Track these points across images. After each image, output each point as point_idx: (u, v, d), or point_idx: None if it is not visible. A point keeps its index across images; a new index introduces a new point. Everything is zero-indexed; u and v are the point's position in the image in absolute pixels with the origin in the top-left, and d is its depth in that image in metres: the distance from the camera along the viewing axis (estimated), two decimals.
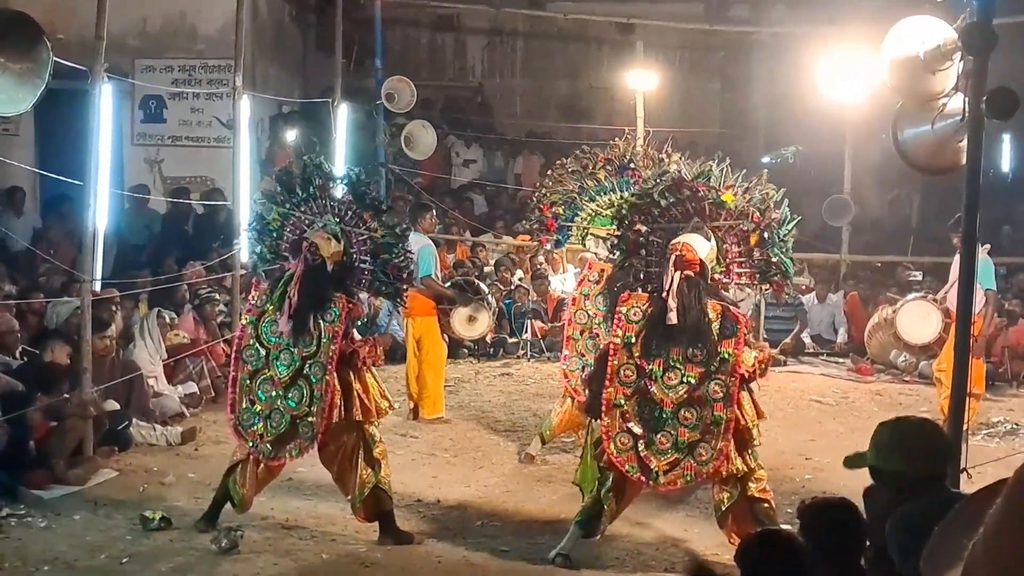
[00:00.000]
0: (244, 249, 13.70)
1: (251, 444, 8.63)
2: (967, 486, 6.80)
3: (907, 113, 7.70)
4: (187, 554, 8.28)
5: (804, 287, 17.73)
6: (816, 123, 18.62)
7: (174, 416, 11.92)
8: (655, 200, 8.26)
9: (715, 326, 7.91)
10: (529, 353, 16.23)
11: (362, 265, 8.63)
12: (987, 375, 15.13)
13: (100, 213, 10.70)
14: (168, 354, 12.42)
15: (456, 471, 10.63)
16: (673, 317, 7.84)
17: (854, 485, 5.90)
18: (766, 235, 8.11)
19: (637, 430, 7.98)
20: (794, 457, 11.19)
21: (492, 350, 16.21)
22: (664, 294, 7.90)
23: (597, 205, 10.45)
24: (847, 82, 15.59)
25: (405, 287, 9.02)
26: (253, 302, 8.78)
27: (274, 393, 8.52)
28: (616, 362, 8.06)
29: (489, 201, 21.31)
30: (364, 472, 8.57)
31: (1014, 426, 12.70)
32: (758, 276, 8.23)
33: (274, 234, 8.85)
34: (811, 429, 12.54)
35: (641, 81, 17.93)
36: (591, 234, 10.55)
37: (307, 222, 8.68)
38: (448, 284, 13.19)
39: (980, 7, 6.74)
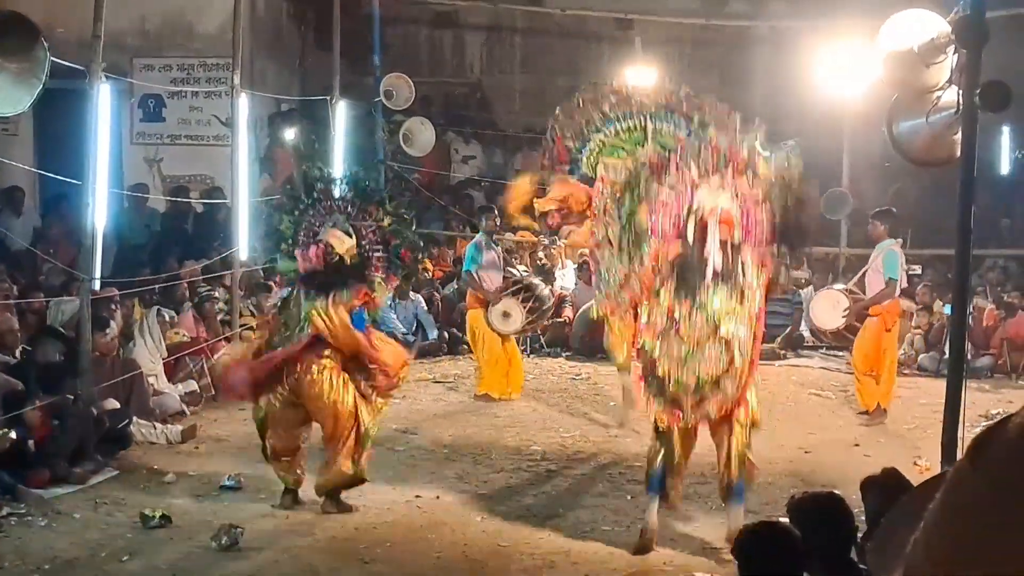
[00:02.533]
0: (243, 249, 13.78)
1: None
2: None
3: (902, 106, 7.71)
4: (187, 552, 8.31)
5: (803, 280, 17.73)
6: (814, 117, 18.59)
7: (174, 414, 11.94)
8: (679, 155, 8.46)
9: (746, 272, 8.17)
10: (529, 349, 16.24)
11: (375, 254, 9.19)
12: (988, 367, 15.23)
13: (99, 212, 10.70)
14: (168, 352, 12.44)
15: (456, 467, 10.65)
16: (710, 271, 8.05)
17: (852, 478, 5.93)
18: (788, 201, 8.29)
19: (662, 370, 8.19)
20: (793, 451, 11.20)
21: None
22: (706, 252, 8.07)
23: (604, 135, 10.64)
24: (845, 76, 15.60)
25: (419, 267, 9.83)
26: (277, 297, 9.61)
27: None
28: (645, 309, 8.33)
29: (488, 197, 21.28)
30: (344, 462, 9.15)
31: None
32: (776, 238, 8.35)
33: (289, 241, 9.30)
34: (810, 422, 12.56)
35: (639, 77, 17.92)
36: (603, 163, 10.46)
37: (318, 224, 9.18)
38: (510, 283, 13.74)
39: (973, 1, 6.76)
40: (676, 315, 8.17)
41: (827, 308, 12.81)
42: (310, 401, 9.12)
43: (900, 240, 12.89)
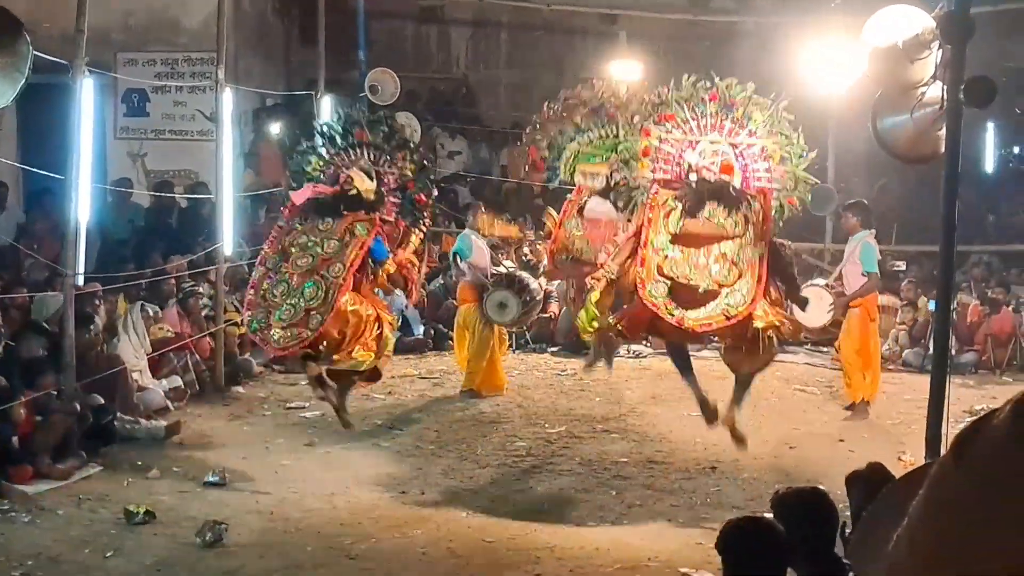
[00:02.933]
0: (228, 244, 13.75)
1: (260, 336, 9.69)
2: None
3: (887, 102, 7.71)
4: (171, 548, 8.29)
5: None
6: (800, 112, 18.57)
7: (158, 410, 11.89)
8: (680, 108, 9.15)
9: (746, 203, 8.84)
10: (515, 345, 16.24)
11: (392, 199, 9.88)
12: (972, 363, 15.27)
13: (83, 207, 10.66)
14: (152, 348, 12.40)
15: (441, 463, 10.65)
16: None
17: (837, 473, 5.94)
18: (786, 154, 9.04)
19: (669, 271, 8.69)
20: (777, 446, 11.22)
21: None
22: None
23: (578, 144, 11.41)
24: (830, 71, 15.57)
25: (427, 213, 10.31)
26: (284, 222, 9.99)
27: (290, 288, 9.57)
28: (650, 232, 8.82)
29: (474, 193, 21.27)
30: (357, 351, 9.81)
31: None
32: (776, 192, 9.04)
33: (315, 181, 9.94)
34: (795, 418, 12.57)
35: (625, 72, 17.92)
36: (579, 171, 11.47)
37: (345, 164, 9.88)
38: (498, 274, 13.82)
39: None
40: (679, 227, 8.77)
41: (811, 306, 12.81)
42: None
43: (874, 231, 12.91)
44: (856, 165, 18.89)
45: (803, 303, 9.28)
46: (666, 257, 8.75)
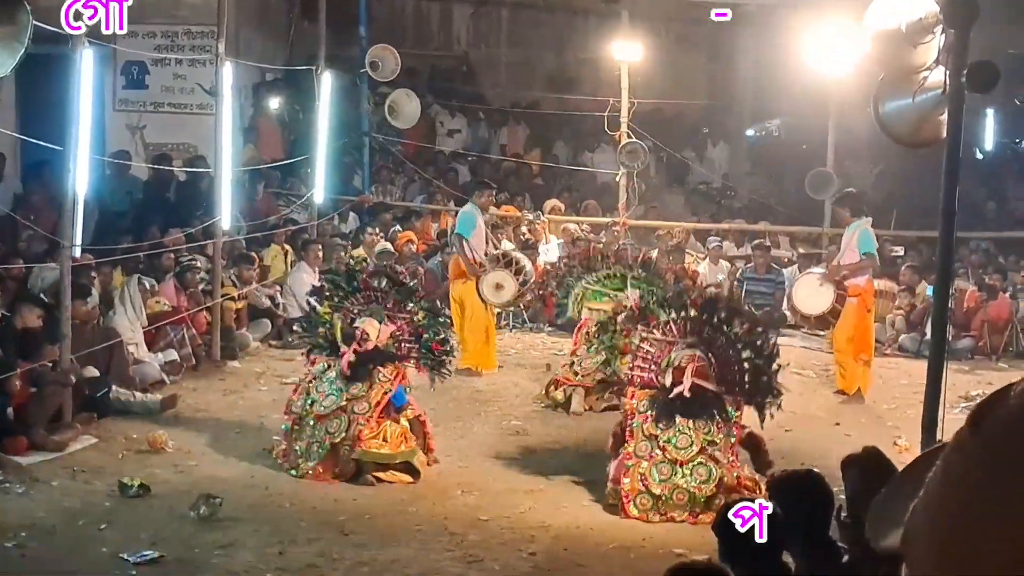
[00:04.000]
0: (226, 218, 13.73)
1: (293, 470, 9.53)
2: None
3: (888, 86, 7.68)
4: (166, 521, 8.29)
5: (786, 260, 17.77)
6: (801, 96, 18.61)
7: (154, 383, 11.89)
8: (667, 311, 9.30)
9: (720, 409, 8.95)
10: (512, 324, 16.25)
11: (408, 345, 9.92)
12: (969, 349, 15.29)
13: (81, 179, 10.62)
14: (149, 321, 12.39)
15: (437, 441, 10.59)
16: (686, 392, 8.84)
17: (833, 456, 5.93)
18: (758, 361, 9.04)
19: (656, 491, 8.74)
20: (774, 429, 11.16)
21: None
22: (682, 388, 8.86)
23: (587, 283, 12.55)
24: (831, 55, 15.55)
25: (448, 359, 10.31)
26: (312, 372, 9.88)
27: (315, 426, 9.56)
28: (631, 444, 8.94)
29: (473, 171, 21.25)
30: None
31: None
32: (746, 396, 9.11)
33: (326, 325, 9.97)
34: (791, 402, 12.50)
35: (627, 52, 17.90)
36: (587, 307, 12.51)
37: (356, 311, 9.93)
38: (501, 255, 13.95)
39: None
40: (661, 440, 8.85)
41: (810, 293, 12.79)
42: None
43: (870, 218, 12.91)
44: (856, 150, 18.89)
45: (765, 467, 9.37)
46: (652, 459, 8.85)
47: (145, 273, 13.18)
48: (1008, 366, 14.86)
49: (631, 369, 9.29)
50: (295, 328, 11.66)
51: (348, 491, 9.19)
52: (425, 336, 9.98)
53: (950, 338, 12.33)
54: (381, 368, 9.68)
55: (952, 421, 7.89)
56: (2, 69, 8.95)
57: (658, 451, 8.83)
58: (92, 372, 11.01)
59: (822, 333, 15.59)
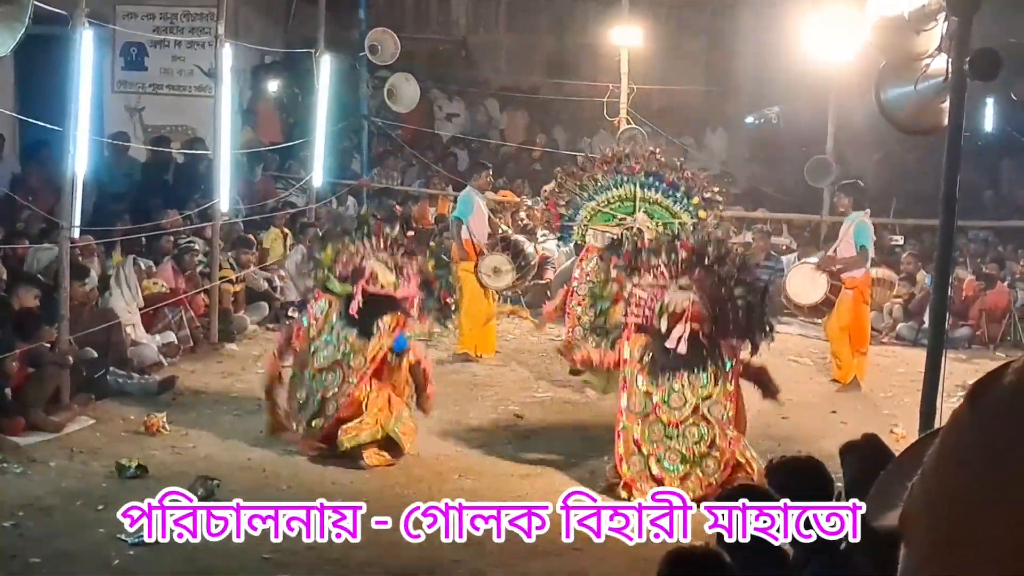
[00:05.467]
0: (224, 201, 13.71)
1: (299, 430, 9.66)
2: None
3: (890, 73, 7.67)
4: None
5: (784, 247, 17.76)
6: (801, 83, 18.58)
7: (152, 365, 11.88)
8: (664, 256, 9.13)
9: (716, 359, 8.91)
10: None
11: (415, 295, 9.78)
12: (967, 337, 15.30)
13: (80, 160, 10.61)
14: (146, 303, 12.38)
15: (433, 425, 10.62)
16: (683, 348, 8.77)
17: (830, 443, 5.94)
18: (751, 299, 8.98)
19: (647, 450, 8.82)
20: (772, 416, 11.20)
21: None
22: (671, 341, 8.79)
23: (596, 203, 11.97)
24: (832, 42, 15.53)
25: (454, 309, 10.31)
26: (313, 309, 9.81)
27: (312, 377, 9.57)
28: (625, 396, 8.96)
29: (472, 156, 21.24)
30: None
31: None
32: (740, 333, 9.03)
33: (327, 269, 9.80)
34: (789, 389, 12.50)
35: (626, 37, 17.87)
36: (592, 229, 12.11)
37: (359, 258, 9.72)
38: (497, 240, 13.86)
39: None
40: (655, 398, 8.87)
41: (803, 283, 12.78)
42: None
43: (868, 211, 12.91)
44: (855, 137, 18.85)
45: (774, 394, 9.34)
46: (645, 420, 8.90)
47: (143, 255, 13.17)
48: (1005, 355, 14.84)
49: (624, 316, 9.17)
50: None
51: (345, 474, 9.20)
52: (435, 285, 9.90)
53: (948, 326, 12.38)
54: (383, 322, 9.59)
55: (950, 410, 7.91)
56: (2, 49, 8.92)
57: (651, 410, 8.86)
58: (90, 353, 11.01)
59: (819, 321, 15.61)
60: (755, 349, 9.09)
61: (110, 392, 10.93)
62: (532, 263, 13.57)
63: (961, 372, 12.85)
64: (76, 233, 11.04)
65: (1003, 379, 1.43)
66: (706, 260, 9.03)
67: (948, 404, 7.32)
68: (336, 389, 9.48)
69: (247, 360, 12.95)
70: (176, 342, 12.59)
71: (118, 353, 11.47)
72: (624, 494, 8.77)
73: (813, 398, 12.32)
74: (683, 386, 8.82)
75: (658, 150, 12.64)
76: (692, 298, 8.86)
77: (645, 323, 9.04)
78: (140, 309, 12.25)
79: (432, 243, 10.24)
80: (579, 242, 12.40)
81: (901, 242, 17.63)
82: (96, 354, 11.10)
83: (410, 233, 10.90)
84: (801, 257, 16.84)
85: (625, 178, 12.00)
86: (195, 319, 13.07)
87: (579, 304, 11.90)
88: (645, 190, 12.00)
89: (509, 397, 11.91)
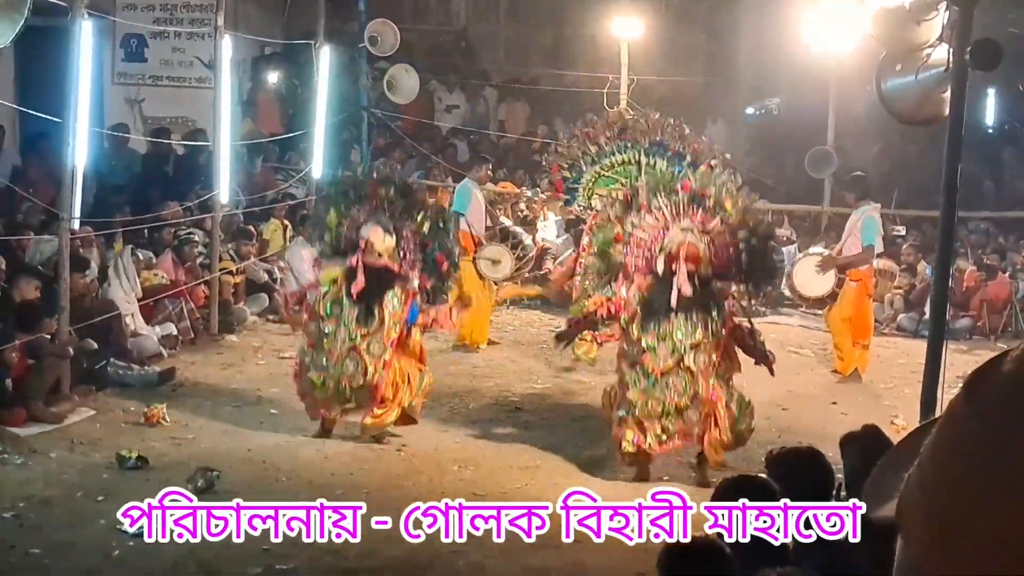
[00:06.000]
0: (224, 192, 13.71)
1: (310, 404, 9.76)
2: None
3: (891, 63, 7.66)
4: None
5: (784, 238, 17.74)
6: (801, 74, 18.55)
7: (152, 356, 11.89)
8: (658, 196, 9.13)
9: (709, 306, 8.91)
10: (508, 302, 16.22)
11: (413, 255, 9.77)
12: (967, 328, 15.30)
13: (80, 152, 10.61)
14: (146, 294, 12.37)
15: (433, 416, 10.63)
16: (674, 300, 8.77)
17: (830, 435, 5.93)
18: (755, 242, 8.93)
19: (632, 397, 8.90)
20: (771, 408, 11.21)
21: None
22: (676, 282, 8.75)
23: (600, 168, 11.57)
24: (833, 32, 15.50)
25: (453, 271, 10.20)
26: (318, 283, 9.82)
27: (327, 364, 9.55)
28: (623, 341, 9.11)
29: (472, 147, 21.21)
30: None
31: None
32: (743, 277, 9.12)
33: (333, 232, 9.83)
34: (788, 380, 12.54)
35: (626, 28, 17.83)
36: (596, 194, 11.66)
37: (362, 220, 9.67)
38: (495, 231, 14.01)
39: None
40: (644, 345, 8.91)
41: (810, 275, 12.76)
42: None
43: (878, 205, 12.88)
44: (856, 127, 18.82)
45: (768, 362, 9.30)
46: (632, 368, 9.00)
47: (143, 246, 13.16)
48: (1007, 346, 14.71)
49: (625, 256, 9.17)
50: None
51: (344, 465, 9.20)
52: (430, 248, 9.87)
53: (949, 318, 12.39)
54: (390, 298, 9.59)
55: (950, 400, 7.91)
56: (2, 40, 8.92)
57: (639, 358, 8.93)
58: (90, 344, 11.01)
59: (820, 312, 15.60)
60: (757, 291, 9.28)
61: (110, 383, 10.94)
62: (530, 254, 13.56)
63: (962, 363, 12.81)
64: (76, 225, 11.03)
65: (1001, 368, 1.41)
66: (708, 202, 9.01)
67: (949, 395, 7.31)
68: (361, 380, 9.53)
69: (247, 351, 12.95)
70: (176, 333, 12.60)
71: (118, 344, 11.47)
72: (630, 434, 8.93)
73: (813, 389, 12.33)
74: (672, 333, 8.84)
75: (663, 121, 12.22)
76: (688, 239, 8.83)
77: (644, 265, 9.06)
78: (139, 300, 12.25)
79: (427, 206, 10.16)
80: (584, 205, 12.01)
81: (903, 232, 17.61)
82: (96, 345, 11.10)
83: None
84: (802, 248, 16.85)
85: (628, 144, 11.74)
86: (195, 310, 13.07)
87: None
88: (649, 157, 11.62)
89: (509, 388, 11.91)
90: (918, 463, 1.45)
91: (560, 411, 11.17)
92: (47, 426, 9.66)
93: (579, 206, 12.04)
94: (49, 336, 10.24)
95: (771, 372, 9.35)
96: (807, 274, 12.75)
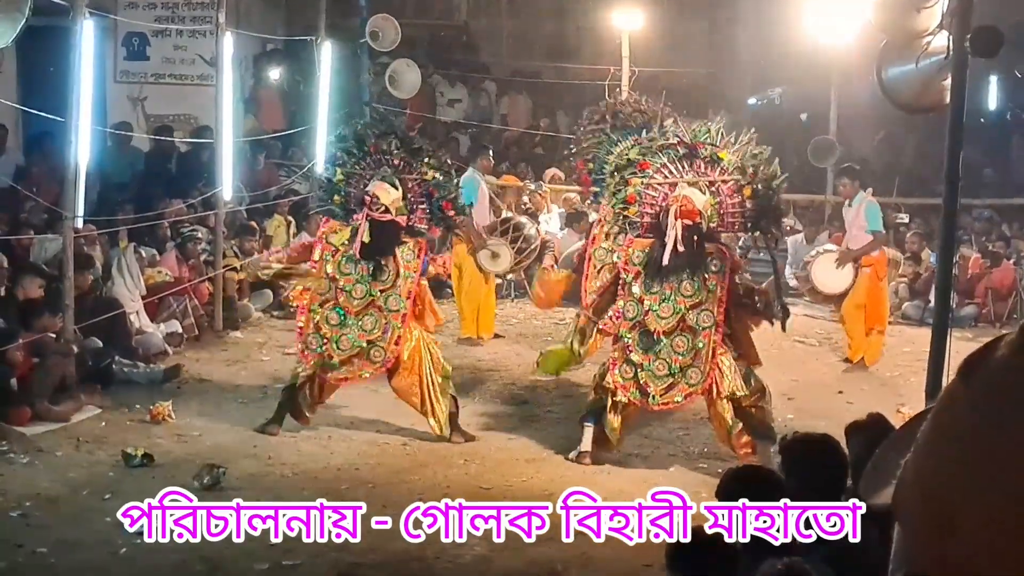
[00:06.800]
0: (227, 189, 13.71)
1: (318, 364, 9.66)
2: None
3: (892, 51, 7.65)
4: (169, 491, 8.28)
5: (788, 227, 17.71)
6: (803, 64, 18.54)
7: (157, 354, 11.90)
8: (655, 155, 9.19)
9: (709, 264, 8.94)
10: (513, 294, 16.22)
11: (420, 205, 9.84)
12: (972, 316, 15.28)
13: (83, 150, 10.62)
14: (150, 292, 12.39)
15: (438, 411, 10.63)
16: (666, 258, 8.83)
17: (836, 424, 5.92)
18: (759, 187, 8.97)
19: (636, 358, 9.00)
20: (777, 397, 11.14)
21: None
22: (667, 239, 8.84)
23: (615, 157, 11.10)
24: (834, 22, 15.49)
25: (459, 218, 10.27)
26: (325, 239, 9.83)
27: (346, 319, 9.62)
28: (621, 301, 9.11)
29: (474, 141, 21.19)
30: (439, 397, 9.78)
31: None
32: (751, 224, 9.18)
33: (342, 192, 9.89)
34: (794, 369, 12.56)
35: (627, 20, 17.81)
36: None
37: (368, 176, 9.76)
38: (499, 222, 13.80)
39: None
40: (646, 305, 9.01)
41: (830, 272, 12.71)
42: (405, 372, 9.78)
43: (871, 189, 12.87)
44: (858, 116, 18.81)
45: (782, 316, 9.22)
46: (635, 329, 9.05)
47: (147, 244, 13.17)
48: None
49: (639, 217, 9.15)
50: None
51: (349, 460, 9.21)
52: (436, 196, 9.89)
53: (953, 305, 12.37)
54: (403, 251, 9.66)
55: None
56: (3, 40, 8.94)
57: (642, 318, 9.01)
58: (95, 343, 11.02)
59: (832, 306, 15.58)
60: (767, 239, 9.29)
61: (116, 381, 10.96)
62: (533, 245, 13.50)
63: (967, 351, 12.44)
64: (80, 223, 11.04)
65: (995, 354, 1.41)
66: (703, 152, 9.07)
67: None
68: (380, 333, 9.61)
69: (252, 348, 12.96)
70: (181, 331, 12.60)
71: (123, 342, 11.48)
72: (609, 400, 9.05)
73: (819, 378, 12.33)
74: (674, 292, 8.93)
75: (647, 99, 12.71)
76: (683, 192, 8.86)
77: (649, 224, 9.10)
78: (143, 297, 12.26)
79: (429, 151, 10.17)
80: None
81: (907, 220, 17.58)
82: (101, 343, 11.11)
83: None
84: (808, 237, 16.83)
85: (631, 132, 11.65)
86: (199, 307, 13.08)
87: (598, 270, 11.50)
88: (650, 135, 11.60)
89: (513, 381, 11.91)
90: (914, 449, 1.45)
91: (566, 403, 11.16)
92: (53, 424, 9.67)
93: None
94: (54, 335, 10.25)
95: (783, 328, 9.35)
96: (826, 272, 12.70)
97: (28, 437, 9.30)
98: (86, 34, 10.57)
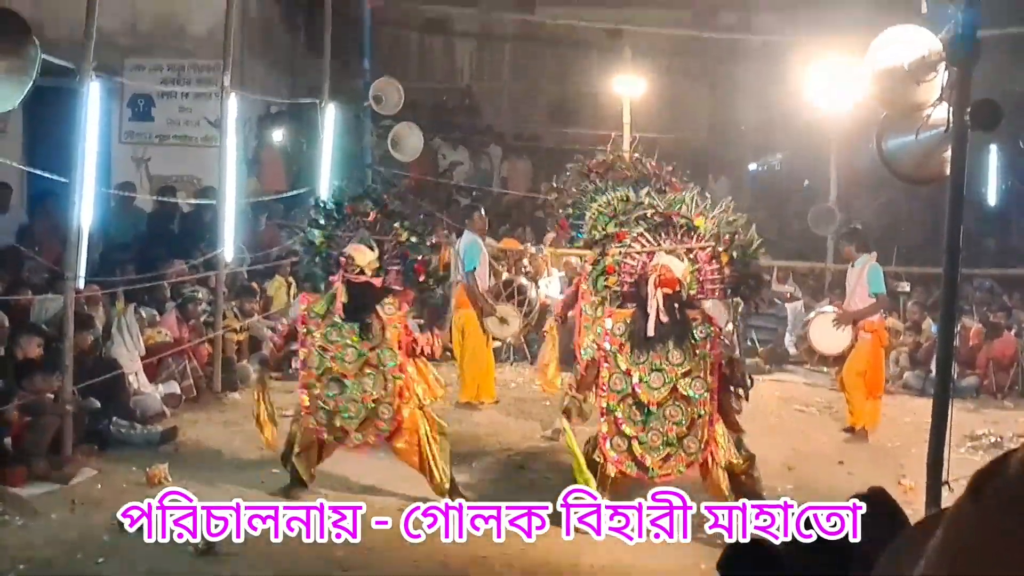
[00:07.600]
0: (229, 250, 13.74)
1: (334, 438, 9.68)
2: (949, 499, 6.80)
3: (892, 123, 7.70)
4: (164, 554, 8.23)
5: (788, 295, 17.74)
6: (803, 131, 18.64)
7: (154, 415, 11.87)
8: (632, 226, 9.15)
9: (694, 331, 8.81)
10: (512, 358, 16.21)
11: (393, 267, 9.85)
12: (974, 387, 15.24)
13: (86, 210, 10.64)
14: (150, 352, 12.38)
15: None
16: (651, 329, 8.75)
17: (836, 495, 5.89)
18: (735, 254, 8.92)
19: (629, 431, 8.85)
20: (777, 467, 11.15)
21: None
22: (648, 309, 8.75)
23: (598, 206, 11.33)
24: (834, 90, 15.59)
25: (431, 281, 10.23)
26: (305, 314, 9.72)
27: (345, 384, 9.60)
28: (606, 372, 8.93)
29: (475, 203, 21.26)
30: (437, 456, 9.73)
31: (997, 439, 12.67)
32: (730, 290, 9.12)
33: (323, 255, 9.99)
34: (794, 438, 12.52)
35: (628, 87, 17.94)
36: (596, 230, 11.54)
37: (346, 239, 9.82)
38: (503, 284, 14.01)
39: (965, 18, 6.75)
40: (634, 378, 8.86)
41: (827, 332, 12.69)
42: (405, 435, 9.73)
43: (875, 253, 12.87)
44: (858, 184, 18.88)
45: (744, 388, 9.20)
46: (624, 402, 8.92)
47: (148, 304, 13.18)
48: (1013, 405, 14.82)
49: (619, 287, 9.08)
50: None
51: (353, 554, 9.14)
52: (410, 257, 9.90)
53: (955, 376, 12.35)
54: (382, 305, 9.60)
55: (957, 460, 7.93)
56: (10, 102, 8.99)
57: (630, 390, 8.86)
58: (93, 403, 10.99)
59: (825, 369, 15.56)
60: (748, 304, 9.37)
61: (112, 442, 10.92)
62: (535, 308, 13.55)
63: (969, 422, 12.84)
64: (81, 284, 11.05)
65: (1007, 470, 1.40)
66: (682, 223, 9.03)
67: (955, 455, 7.29)
68: (384, 391, 9.58)
69: (249, 409, 12.84)
70: (179, 392, 12.58)
71: (121, 403, 11.46)
72: (612, 470, 8.88)
73: (819, 448, 12.27)
74: (661, 363, 8.81)
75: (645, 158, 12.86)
76: (661, 262, 8.79)
77: (629, 294, 9.03)
78: (142, 358, 12.25)
79: (404, 215, 10.23)
80: (597, 237, 12.03)
81: (907, 289, 17.60)
82: (99, 404, 11.09)
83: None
84: (808, 305, 16.85)
85: (618, 184, 11.93)
86: (198, 368, 13.06)
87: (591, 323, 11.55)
88: (637, 194, 11.53)
89: (512, 446, 11.87)
90: (924, 562, 1.44)
91: (566, 470, 11.07)
92: (48, 486, 9.62)
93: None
94: (52, 395, 10.23)
95: (745, 398, 9.15)
96: (824, 331, 12.68)
97: (23, 498, 9.26)
98: (92, 96, 10.63)
